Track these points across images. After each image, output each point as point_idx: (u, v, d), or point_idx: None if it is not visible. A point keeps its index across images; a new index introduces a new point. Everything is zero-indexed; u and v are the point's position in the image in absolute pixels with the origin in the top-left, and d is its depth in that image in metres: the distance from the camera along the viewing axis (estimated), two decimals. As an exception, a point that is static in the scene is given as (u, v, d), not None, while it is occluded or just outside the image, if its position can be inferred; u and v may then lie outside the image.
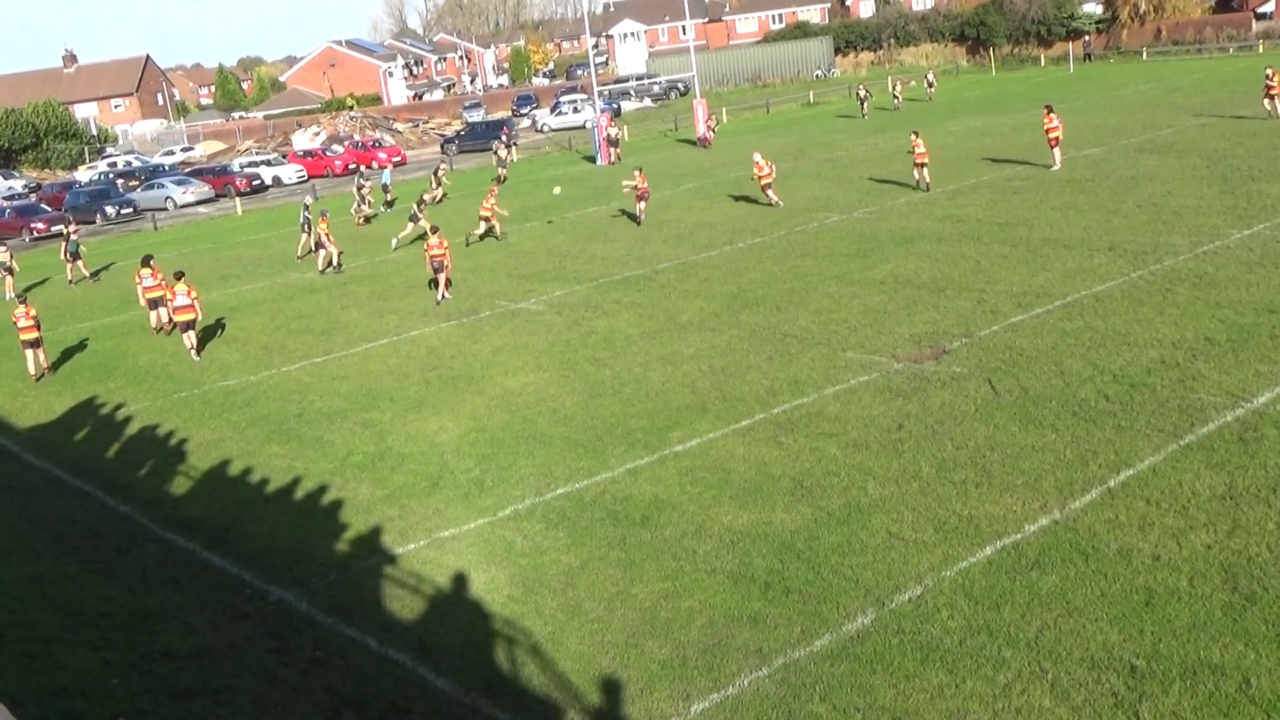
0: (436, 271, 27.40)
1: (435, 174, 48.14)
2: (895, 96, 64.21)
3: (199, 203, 58.11)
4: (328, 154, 68.21)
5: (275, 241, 41.47)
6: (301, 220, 36.38)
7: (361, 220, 43.08)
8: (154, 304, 27.63)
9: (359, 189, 44.39)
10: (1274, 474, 12.98)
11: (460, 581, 13.08)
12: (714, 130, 57.23)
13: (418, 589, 13.07)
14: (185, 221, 52.69)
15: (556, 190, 40.08)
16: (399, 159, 66.86)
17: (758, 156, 35.55)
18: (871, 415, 16.42)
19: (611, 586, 12.46)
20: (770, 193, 34.86)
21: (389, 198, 46.34)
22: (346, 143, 73.11)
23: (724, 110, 70.26)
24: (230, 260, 38.33)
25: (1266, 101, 41.54)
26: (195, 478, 17.68)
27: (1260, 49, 72.64)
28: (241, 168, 64.29)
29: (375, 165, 61.16)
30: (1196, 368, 16.62)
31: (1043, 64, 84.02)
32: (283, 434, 19.12)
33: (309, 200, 39.95)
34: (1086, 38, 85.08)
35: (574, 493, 15.08)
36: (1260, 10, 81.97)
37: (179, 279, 25.31)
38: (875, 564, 12.15)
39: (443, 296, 27.33)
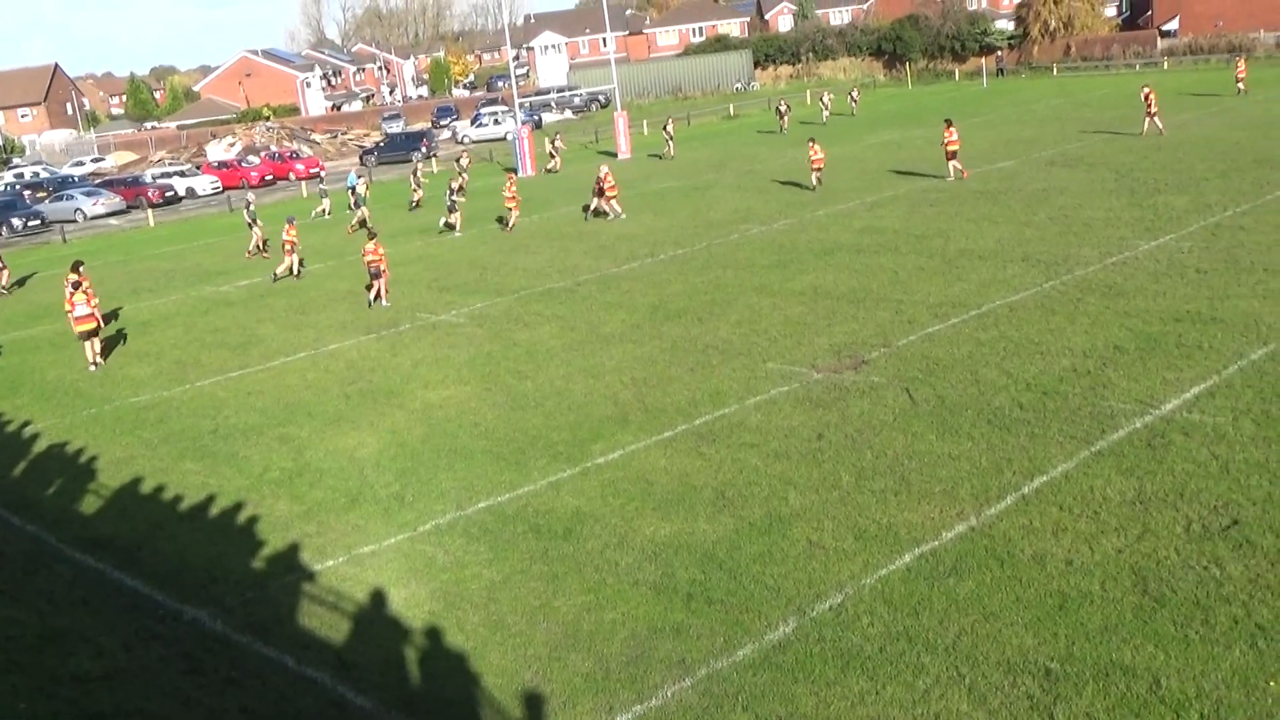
0: (374, 277, 27.76)
1: (458, 162, 50.55)
2: (824, 108, 64.71)
3: (109, 215, 56.92)
4: (243, 165, 67.28)
5: (189, 254, 40.72)
6: (248, 219, 38.09)
7: (416, 203, 46.24)
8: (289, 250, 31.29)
9: (415, 172, 48.64)
10: (1181, 479, 13.32)
11: (380, 598, 12.91)
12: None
13: (336, 606, 12.88)
14: (95, 234, 51.53)
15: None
16: (317, 170, 66.09)
17: (604, 170, 37.85)
18: (792, 425, 16.54)
19: (534, 600, 12.39)
20: (614, 204, 37.18)
21: (354, 199, 46.26)
22: (263, 153, 72.12)
23: (645, 123, 70.52)
24: (142, 273, 37.55)
25: (1147, 120, 43.09)
26: (106, 496, 17.25)
27: (1165, 65, 74.77)
28: (154, 179, 63.05)
29: (293, 176, 60.47)
30: (1106, 376, 17.01)
31: (957, 78, 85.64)
32: (196, 450, 18.74)
33: (250, 197, 41.79)
34: (999, 53, 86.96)
35: (496, 506, 14.98)
36: (1165, 28, 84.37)
37: (76, 289, 24.77)
38: (796, 573, 12.23)
39: (376, 299, 27.78)
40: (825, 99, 65.08)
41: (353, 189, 46.24)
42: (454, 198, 38.40)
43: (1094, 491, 13.26)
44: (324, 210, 46.65)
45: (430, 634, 12.00)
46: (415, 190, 47.16)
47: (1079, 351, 18.24)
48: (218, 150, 79.20)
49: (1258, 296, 20.15)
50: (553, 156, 54.34)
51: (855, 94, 68.07)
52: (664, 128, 56.78)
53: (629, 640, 11.34)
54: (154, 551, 14.95)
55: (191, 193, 62.29)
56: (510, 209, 37.24)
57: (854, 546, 12.65)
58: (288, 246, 32.69)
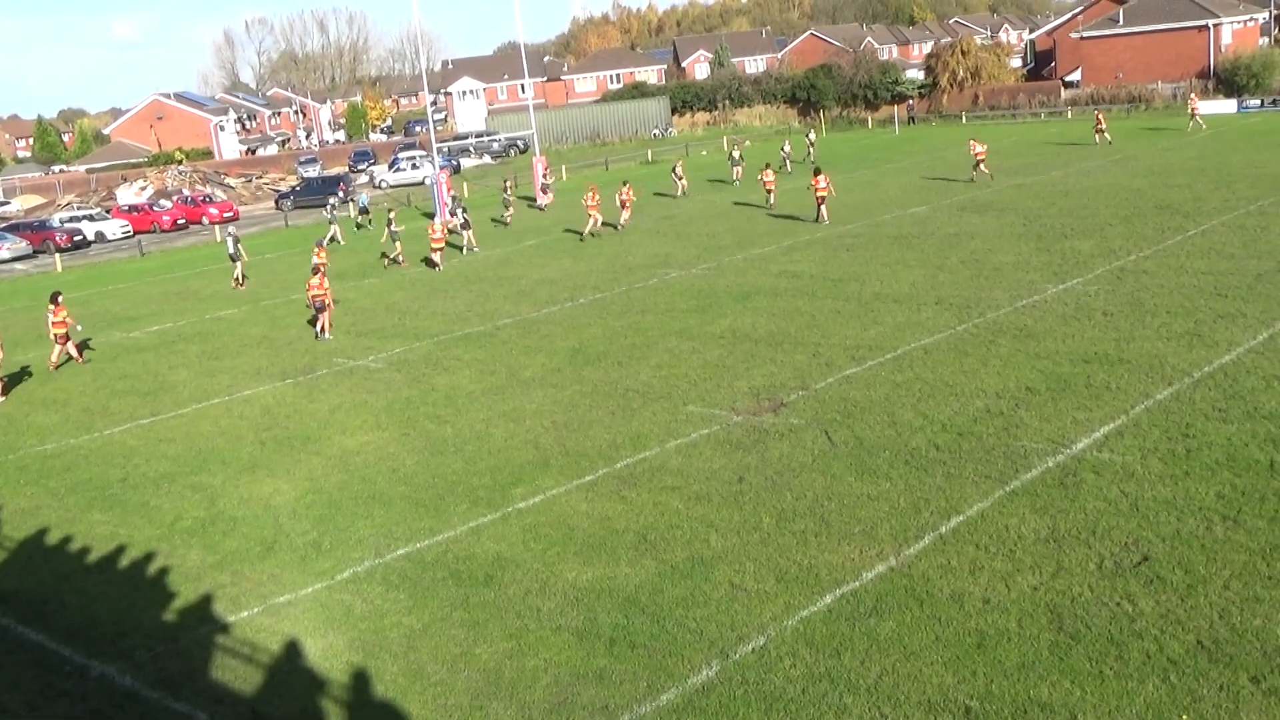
0: (319, 311, 28.41)
1: (505, 183, 52.99)
2: (785, 156, 60.31)
3: (15, 259, 55.48)
4: (155, 209, 66.07)
5: (98, 299, 39.82)
6: (231, 250, 38.88)
7: (509, 217, 48.34)
8: (60, 339, 28.29)
9: (505, 188, 50.79)
10: (1093, 516, 13.61)
11: (296, 649, 12.64)
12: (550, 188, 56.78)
13: (251, 658, 12.57)
14: (0, 279, 50.18)
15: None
16: (231, 214, 65.23)
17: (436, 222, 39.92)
18: (713, 468, 16.60)
19: (454, 648, 12.22)
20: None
21: (359, 220, 46.64)
22: (175, 197, 70.98)
23: (564, 168, 70.78)
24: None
25: (974, 171, 45.85)
26: (9, 548, 16.69)
27: (1069, 115, 77.07)
28: (62, 223, 61.61)
29: (206, 220, 59.39)
30: (1019, 416, 17.35)
31: (870, 126, 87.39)
32: (105, 500, 18.24)
33: (232, 229, 42.93)
34: (910, 102, 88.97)
35: (415, 553, 14.78)
36: (1068, 79, 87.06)
37: None
38: (719, 616, 12.23)
39: (322, 333, 28.47)
40: (786, 147, 60.91)
41: (365, 209, 50.45)
42: (394, 229, 40.08)
43: (1009, 530, 13.48)
44: (333, 235, 47.50)
45: (348, 685, 11.77)
46: (333, 226, 47.55)
47: (992, 393, 18.59)
48: (128, 194, 77.74)
49: (1161, 338, 20.75)
50: (507, 206, 50.68)
51: (812, 137, 66.11)
52: (673, 169, 54.37)
53: (552, 687, 11.23)
54: (60, 605, 14.49)
55: (101, 237, 60.99)
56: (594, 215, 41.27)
57: (775, 588, 12.69)
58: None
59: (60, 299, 28.58)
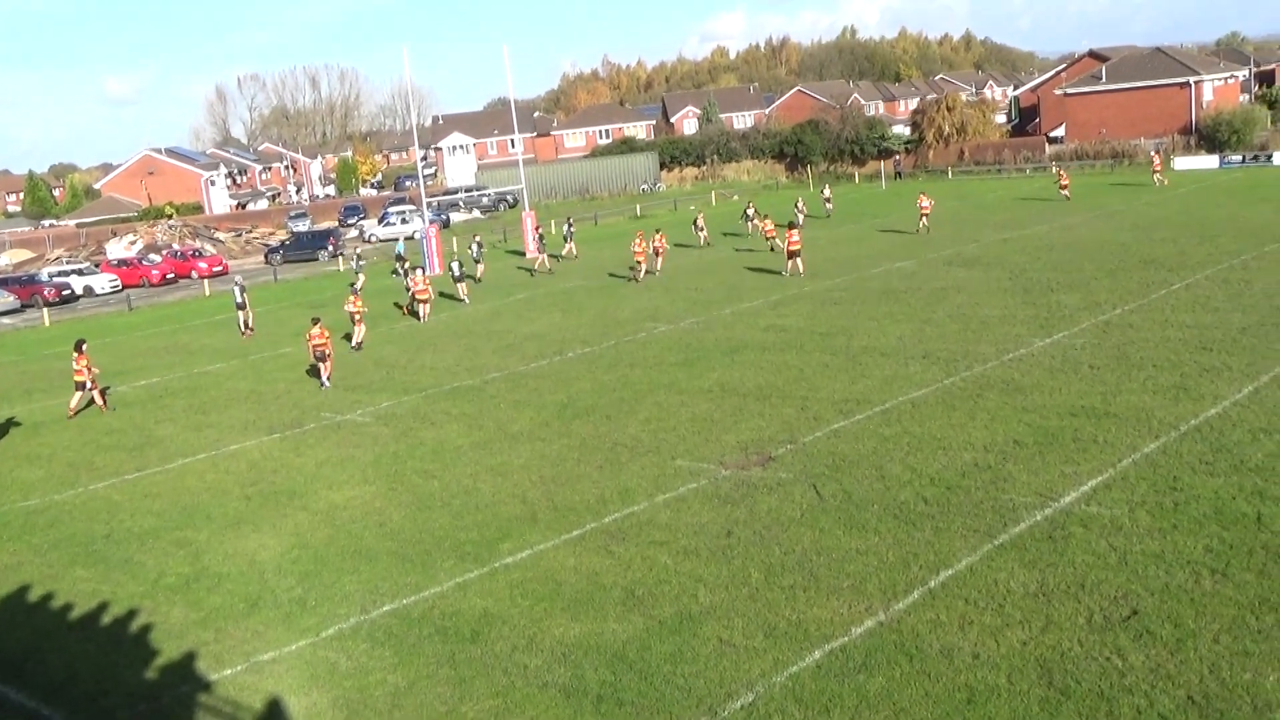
0: (320, 360, 28.96)
1: (567, 225, 54.12)
2: (800, 212, 58.00)
3: (2, 314, 55.40)
4: (144, 263, 66.16)
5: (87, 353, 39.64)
6: (238, 299, 39.55)
7: (545, 263, 49.42)
8: (79, 386, 28.66)
9: (566, 231, 52.79)
10: (1081, 570, 13.57)
11: (279, 707, 12.49)
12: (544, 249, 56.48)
13: (234, 717, 12.42)
14: (-13, 333, 50.05)
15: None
16: (220, 269, 65.32)
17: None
18: (701, 522, 16.55)
19: (440, 706, 12.09)
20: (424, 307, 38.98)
21: (402, 266, 47.86)
22: (165, 251, 71.11)
23: (552, 223, 71.07)
24: (36, 374, 36.48)
25: (922, 221, 49.51)
26: (-10, 605, 16.52)
27: (1053, 170, 77.84)
28: (50, 277, 61.62)
29: (196, 275, 59.34)
30: (1007, 470, 17.35)
31: (857, 180, 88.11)
32: (89, 556, 18.08)
33: (239, 278, 43.38)
34: (897, 157, 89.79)
35: (401, 609, 14.66)
36: (1052, 135, 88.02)
37: None
38: (707, 672, 12.13)
39: (326, 382, 28.92)
40: (799, 204, 59.89)
41: (400, 255, 50.92)
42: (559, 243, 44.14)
43: (998, 584, 13.44)
44: (357, 284, 47.02)
45: (332, 744, 11.61)
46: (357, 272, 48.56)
47: (980, 446, 18.61)
48: (118, 248, 77.86)
49: (1148, 391, 20.82)
50: (540, 253, 52.05)
51: (827, 193, 64.91)
52: (694, 222, 55.26)
53: (538, 745, 11.10)
54: (41, 663, 14.32)
55: (90, 291, 60.99)
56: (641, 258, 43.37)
57: (764, 644, 12.61)
58: (356, 317, 34.30)
59: (84, 347, 29.08)
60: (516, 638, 13.47)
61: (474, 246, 49.74)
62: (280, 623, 14.71)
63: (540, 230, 57.90)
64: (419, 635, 13.84)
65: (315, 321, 29.40)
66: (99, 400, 29.02)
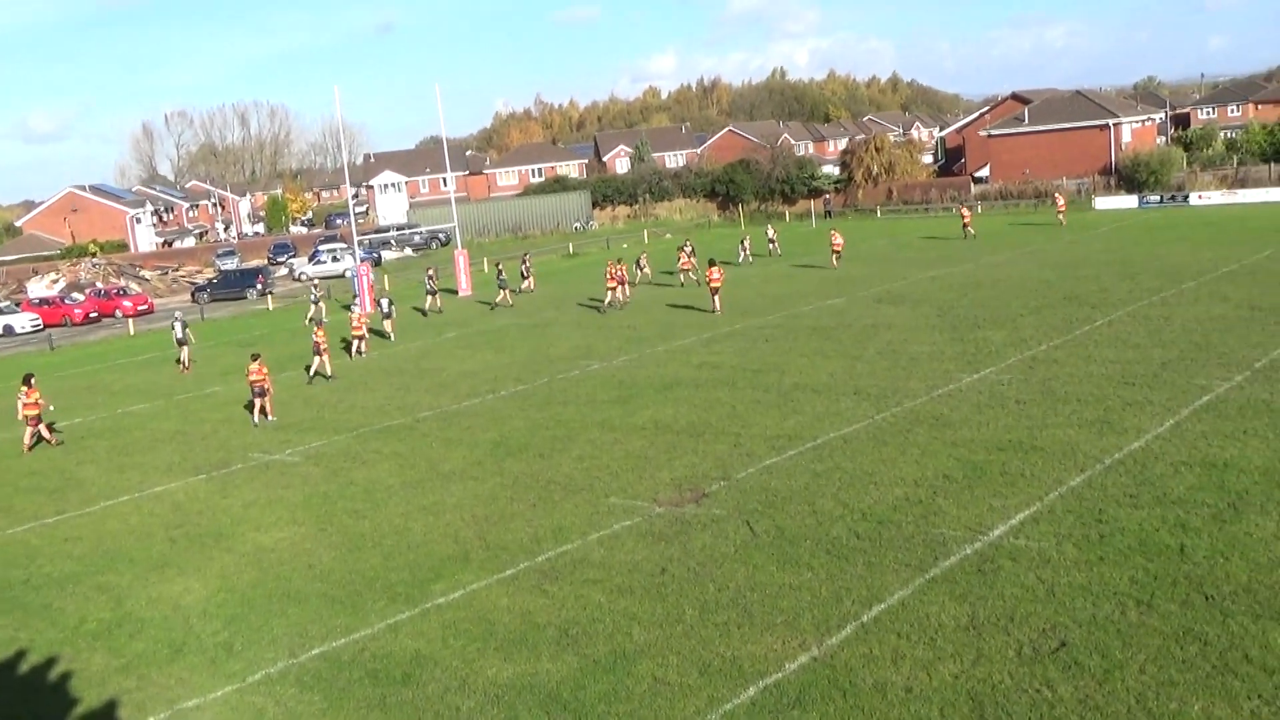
0: (258, 396, 29.02)
1: (523, 263, 54.86)
2: (743, 251, 58.95)
3: (-82, 354, 53.91)
4: (66, 302, 64.82)
5: (4, 395, 38.72)
6: (179, 335, 39.52)
7: (507, 298, 48.88)
8: (32, 420, 28.64)
9: (524, 263, 53.70)
10: (1011, 603, 13.72)
11: (205, 755, 12.19)
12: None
13: (157, 766, 12.09)
14: (-99, 373, 48.64)
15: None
16: (146, 307, 64.24)
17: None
18: (635, 560, 16.49)
19: (370, 750, 11.87)
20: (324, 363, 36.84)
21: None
22: (88, 290, 69.79)
23: (485, 260, 70.88)
24: (-48, 415, 35.47)
25: (834, 257, 51.51)
26: (-99, 655, 15.96)
27: (979, 209, 79.36)
28: (-34, 317, 60.21)
29: (120, 313, 58.19)
30: (937, 504, 17.53)
31: (788, 219, 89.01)
32: (5, 602, 17.56)
33: (179, 313, 43.11)
34: (826, 196, 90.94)
35: (331, 652, 14.41)
36: (977, 175, 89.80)
37: None
38: (642, 711, 12.05)
39: (263, 416, 29.04)
40: (745, 242, 60.03)
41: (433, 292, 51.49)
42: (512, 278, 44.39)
43: (930, 618, 13.53)
44: (318, 315, 48.08)
45: (259, 792, 11.35)
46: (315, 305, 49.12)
47: (910, 481, 18.79)
48: (39, 287, 76.25)
49: (1073, 425, 21.20)
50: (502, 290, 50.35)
51: (771, 233, 64.00)
52: (636, 261, 54.83)
53: (470, 789, 10.93)
54: (-47, 714, 13.85)
55: (9, 330, 59.67)
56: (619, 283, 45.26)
57: (699, 681, 12.56)
58: (321, 346, 34.45)
59: (33, 381, 29.08)
60: (449, 679, 13.29)
61: (428, 279, 50.56)
62: (205, 668, 14.38)
63: (501, 265, 57.52)
64: (349, 679, 13.60)
65: (255, 357, 29.58)
66: (45, 434, 28.80)
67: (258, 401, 29.05)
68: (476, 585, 16.12)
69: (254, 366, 29.13)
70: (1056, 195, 69.31)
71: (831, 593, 14.59)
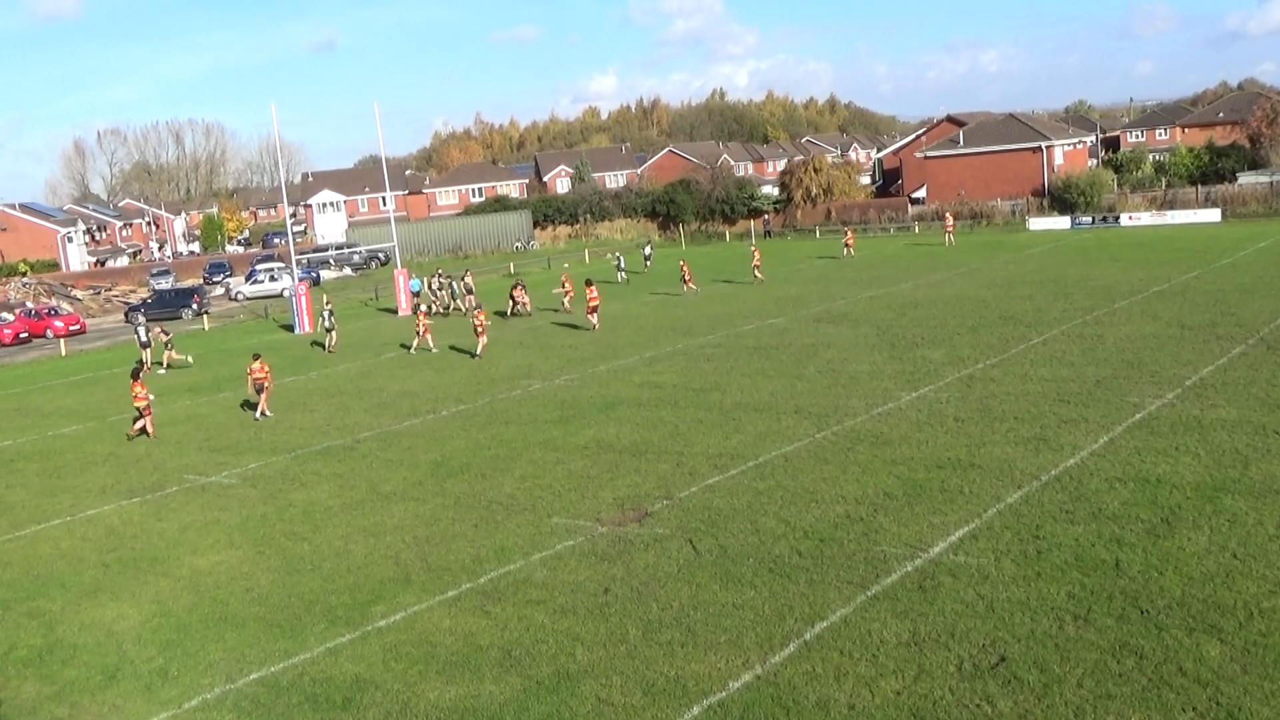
0: (258, 392, 31.27)
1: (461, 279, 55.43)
2: (619, 269, 60.88)
3: None
4: (-5, 322, 63.48)
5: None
6: (143, 339, 43.09)
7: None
8: None
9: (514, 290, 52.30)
10: (951, 619, 13.85)
11: (139, 784, 11.93)
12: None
13: (89, 796, 11.82)
14: None
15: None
16: (78, 327, 63.08)
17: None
18: (578, 580, 16.44)
19: (310, 777, 11.69)
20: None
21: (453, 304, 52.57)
22: (18, 310, 68.39)
23: (431, 279, 70.47)
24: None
25: (757, 271, 54.40)
26: None
27: (916, 230, 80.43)
28: (-108, 338, 58.72)
29: (51, 334, 57.01)
30: (878, 521, 17.68)
31: (728, 239, 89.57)
32: (-68, 630, 17.10)
33: (142, 318, 46.80)
34: (766, 216, 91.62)
35: (269, 677, 14.19)
36: (914, 196, 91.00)
37: None
38: (586, 732, 11.99)
39: (262, 414, 30.90)
40: (647, 249, 63.40)
41: (418, 293, 54.70)
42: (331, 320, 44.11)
43: (871, 635, 13.62)
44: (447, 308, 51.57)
45: (195, 821, 11.13)
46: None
47: (851, 499, 18.93)
48: (-34, 307, 74.61)
49: (1010, 443, 21.49)
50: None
51: (648, 250, 71.14)
52: (585, 281, 55.59)
53: (413, 814, 10.80)
54: (-124, 746, 13.45)
55: (-65, 351, 58.28)
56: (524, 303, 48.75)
57: (643, 702, 12.53)
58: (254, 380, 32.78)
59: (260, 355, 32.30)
60: (390, 704, 13.14)
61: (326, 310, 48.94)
62: (140, 695, 14.10)
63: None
64: (288, 704, 13.40)
65: (256, 357, 32.22)
66: None
67: (261, 397, 31.14)
68: (418, 607, 15.97)
69: (255, 365, 31.60)
70: (947, 215, 72.27)
71: (774, 611, 14.64)
